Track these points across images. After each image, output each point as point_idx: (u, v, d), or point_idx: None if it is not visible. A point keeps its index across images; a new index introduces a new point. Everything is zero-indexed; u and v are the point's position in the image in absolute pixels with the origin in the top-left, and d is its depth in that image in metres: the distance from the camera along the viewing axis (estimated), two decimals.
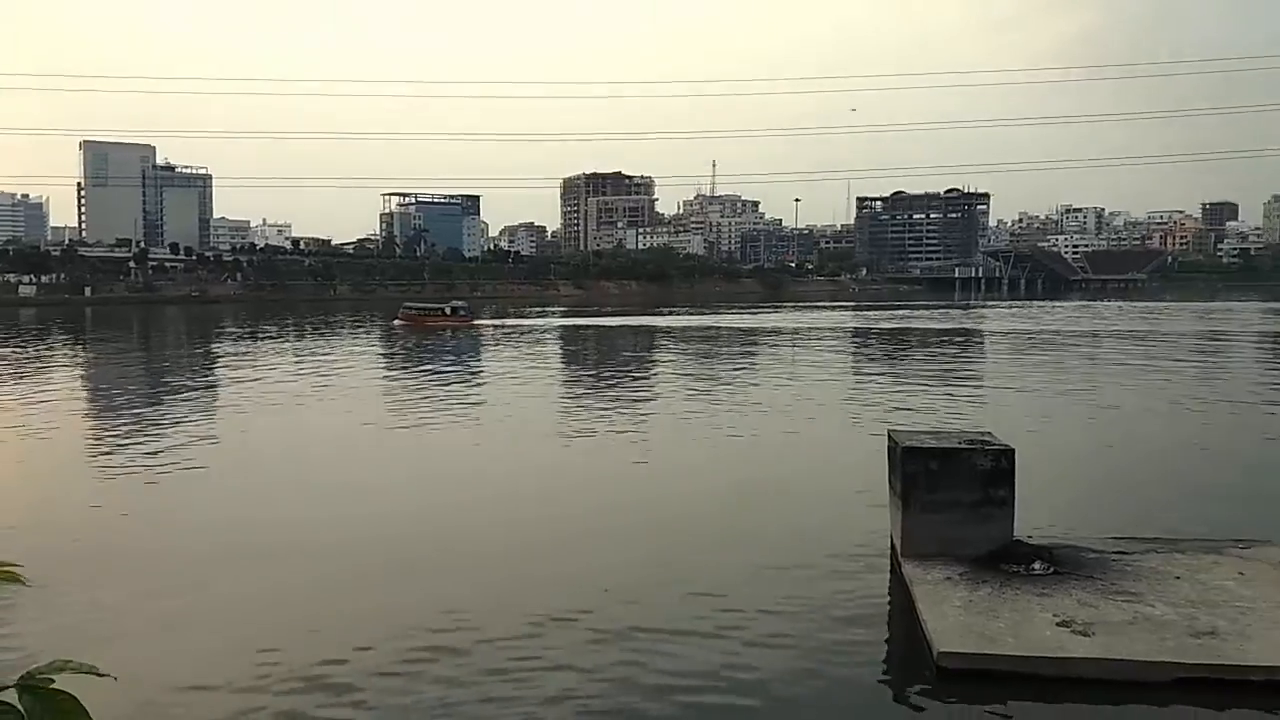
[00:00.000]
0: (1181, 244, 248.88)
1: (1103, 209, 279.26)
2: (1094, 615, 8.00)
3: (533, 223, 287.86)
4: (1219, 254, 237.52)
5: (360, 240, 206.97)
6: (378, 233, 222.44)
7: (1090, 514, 12.15)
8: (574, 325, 67.89)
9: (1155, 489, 14.17)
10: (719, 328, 60.66)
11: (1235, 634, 7.59)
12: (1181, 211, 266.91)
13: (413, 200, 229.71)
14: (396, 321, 63.51)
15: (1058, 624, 7.83)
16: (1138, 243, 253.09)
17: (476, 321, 65.86)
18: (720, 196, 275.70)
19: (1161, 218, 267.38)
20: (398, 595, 9.41)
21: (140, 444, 18.09)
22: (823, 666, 7.65)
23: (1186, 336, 50.69)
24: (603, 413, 22.40)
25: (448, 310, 66.87)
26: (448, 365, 36.79)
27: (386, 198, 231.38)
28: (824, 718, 6.94)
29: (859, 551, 10.55)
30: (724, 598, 9.12)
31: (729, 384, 28.23)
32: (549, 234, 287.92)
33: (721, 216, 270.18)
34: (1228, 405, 23.26)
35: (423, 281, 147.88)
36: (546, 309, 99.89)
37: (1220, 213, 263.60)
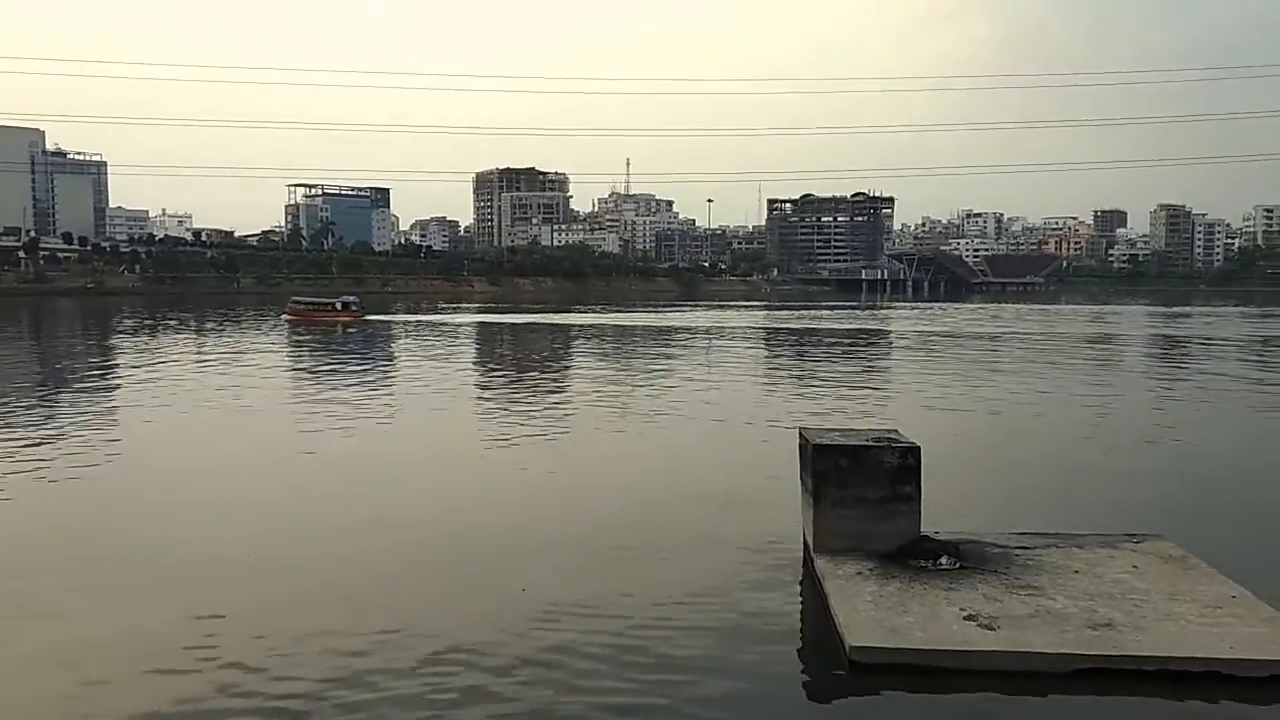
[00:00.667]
0: (1076, 249, 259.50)
1: (1002, 214, 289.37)
2: (998, 609, 8.21)
3: (445, 217, 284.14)
4: (1110, 259, 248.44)
5: (265, 232, 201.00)
6: (283, 225, 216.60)
7: (993, 510, 12.50)
8: (489, 323, 67.20)
9: (1055, 485, 14.66)
10: (636, 326, 60.84)
11: (1130, 625, 7.87)
12: (1075, 218, 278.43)
13: (319, 192, 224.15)
14: (284, 316, 61.94)
15: (964, 618, 8.01)
16: (1034, 248, 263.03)
17: (371, 317, 64.51)
18: (635, 195, 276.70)
19: (1057, 224, 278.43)
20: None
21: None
22: (736, 661, 7.68)
23: (1081, 338, 52.84)
24: (519, 414, 22.18)
25: (339, 305, 65.41)
26: (355, 364, 36.00)
27: (292, 189, 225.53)
28: (737, 712, 6.94)
29: (773, 548, 10.64)
30: (631, 597, 9.07)
31: (646, 383, 28.27)
32: (462, 229, 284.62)
33: (636, 215, 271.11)
34: (1119, 404, 24.27)
35: (330, 275, 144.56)
36: (460, 305, 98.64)
37: (1111, 220, 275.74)
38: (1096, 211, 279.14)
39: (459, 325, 63.58)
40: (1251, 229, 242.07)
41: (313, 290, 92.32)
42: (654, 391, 25.77)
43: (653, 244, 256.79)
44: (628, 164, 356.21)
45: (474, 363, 38.18)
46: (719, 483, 14.47)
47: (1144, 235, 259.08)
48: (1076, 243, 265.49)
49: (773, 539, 10.91)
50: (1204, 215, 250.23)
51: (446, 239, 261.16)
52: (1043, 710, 6.97)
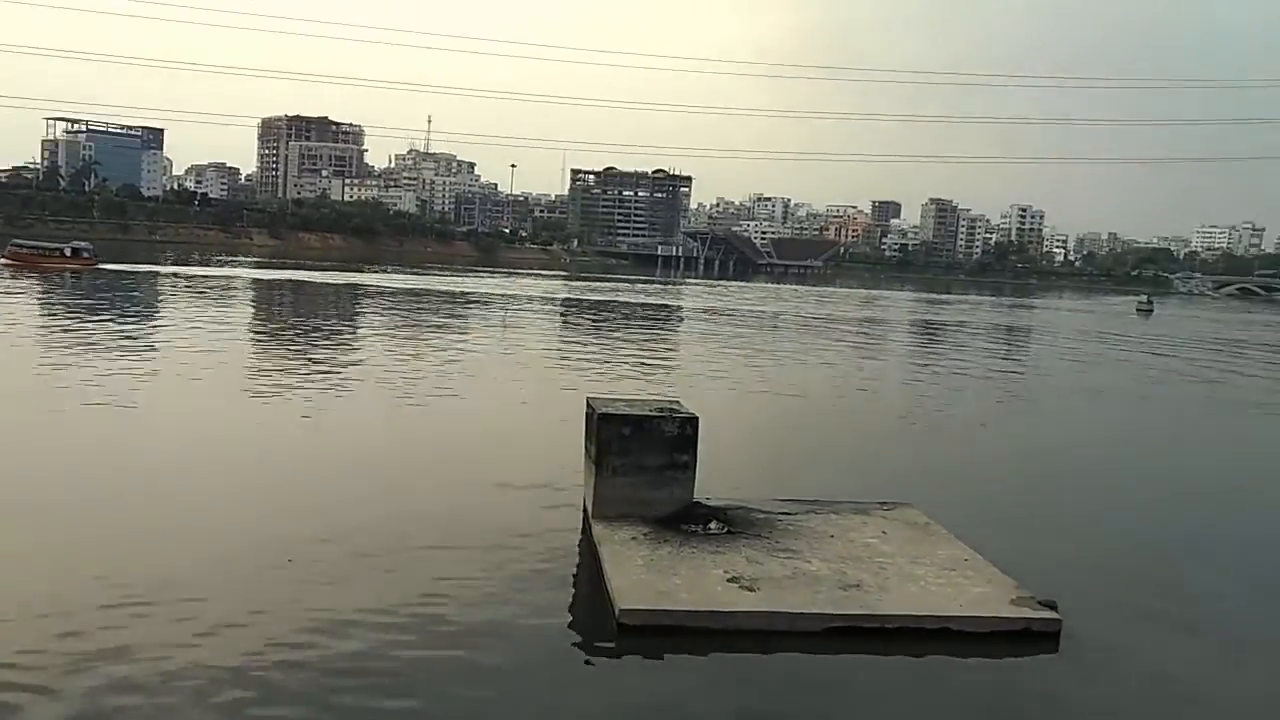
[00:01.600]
0: (854, 236, 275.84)
1: (790, 199, 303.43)
2: (759, 571, 8.63)
3: (225, 164, 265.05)
4: (883, 248, 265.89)
5: (16, 169, 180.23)
6: (38, 161, 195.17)
7: (762, 478, 13.11)
8: (268, 279, 63.46)
9: (821, 455, 15.58)
10: (430, 290, 59.31)
11: (876, 586, 8.49)
12: (855, 207, 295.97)
13: (83, 128, 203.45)
14: (2, 261, 55.54)
15: (728, 580, 8.37)
16: (817, 233, 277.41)
17: (112, 266, 58.93)
18: (436, 154, 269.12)
19: (838, 212, 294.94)
20: None
21: None
22: (508, 630, 7.67)
23: (853, 321, 56.43)
24: (294, 382, 21.11)
25: (68, 251, 58.98)
26: (109, 319, 33.08)
27: (51, 123, 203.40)
28: (507, 676, 6.94)
29: (553, 514, 10.70)
30: (394, 573, 8.88)
31: (437, 349, 27.66)
32: (243, 177, 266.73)
33: (436, 175, 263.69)
34: (886, 383, 26.14)
35: (92, 219, 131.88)
36: (237, 258, 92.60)
37: (887, 210, 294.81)
38: (874, 202, 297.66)
39: (241, 280, 59.69)
40: (1007, 225, 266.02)
41: (67, 235, 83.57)
42: (442, 361, 25.25)
43: (452, 206, 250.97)
44: (429, 121, 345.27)
45: (234, 325, 35.71)
46: (505, 448, 14.39)
47: (915, 226, 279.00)
48: (854, 230, 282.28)
49: (553, 504, 10.97)
50: (968, 210, 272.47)
51: (225, 187, 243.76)
52: (796, 665, 7.40)
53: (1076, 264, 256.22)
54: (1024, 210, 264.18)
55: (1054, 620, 8.05)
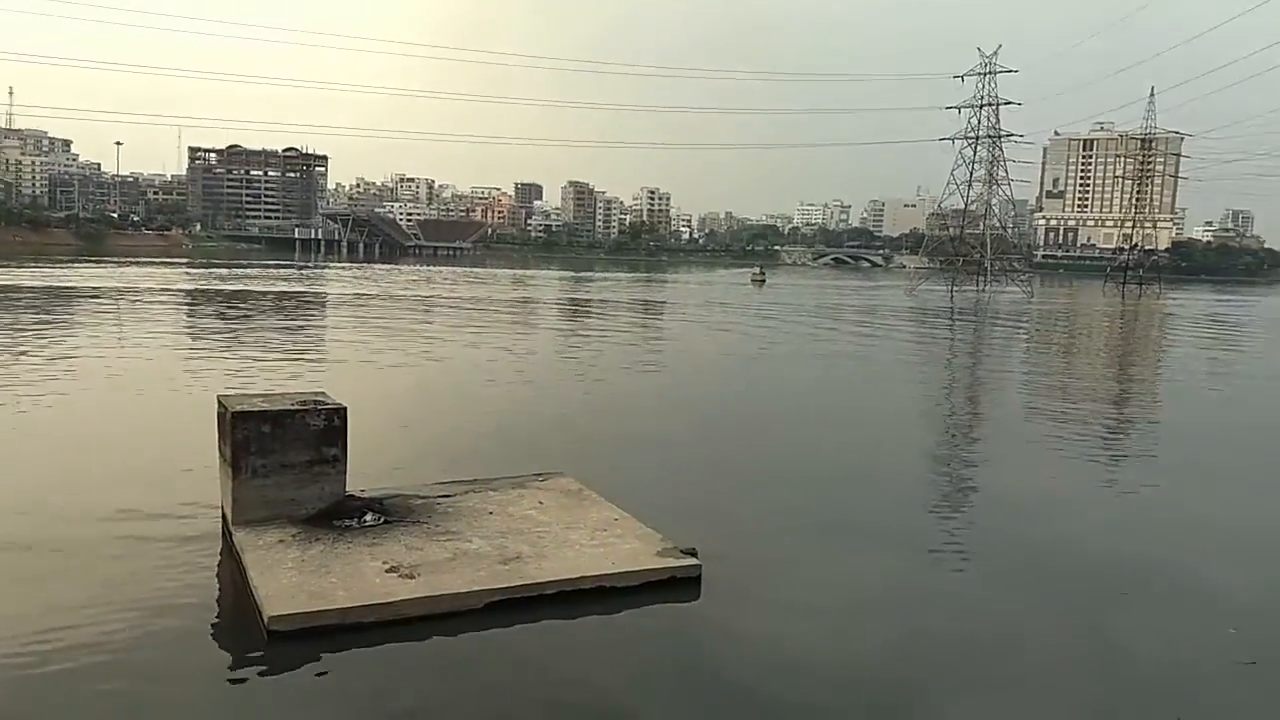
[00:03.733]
0: (500, 218, 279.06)
1: (434, 180, 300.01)
2: (419, 558, 8.53)
3: None
4: (529, 229, 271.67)
5: None
6: None
7: (421, 463, 12.94)
8: None
9: (480, 434, 15.65)
10: (21, 287, 51.38)
11: (535, 556, 8.73)
12: (499, 189, 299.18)
13: None
14: None
15: (386, 571, 8.18)
16: (464, 214, 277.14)
17: None
18: (21, 130, 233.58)
19: (484, 193, 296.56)
20: None
21: None
22: (142, 651, 6.95)
23: (507, 302, 57.15)
24: None
25: None
26: None
27: None
28: (141, 707, 6.29)
29: (186, 524, 9.80)
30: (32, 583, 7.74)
31: (33, 354, 24.07)
32: None
33: (23, 154, 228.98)
34: (539, 360, 26.77)
35: None
36: None
37: (530, 192, 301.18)
38: (517, 184, 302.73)
39: None
40: (639, 207, 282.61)
41: None
42: (43, 367, 22.09)
43: (45, 189, 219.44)
44: (10, 93, 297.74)
45: None
46: (127, 456, 12.92)
47: (557, 208, 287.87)
48: (500, 212, 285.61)
49: (186, 515, 10.05)
50: (604, 193, 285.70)
51: None
52: (461, 646, 7.42)
53: (700, 241, 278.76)
54: (653, 193, 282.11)
55: (694, 566, 8.76)
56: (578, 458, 13.02)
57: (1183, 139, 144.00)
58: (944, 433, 18.90)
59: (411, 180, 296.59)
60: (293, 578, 7.97)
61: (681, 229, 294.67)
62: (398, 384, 21.09)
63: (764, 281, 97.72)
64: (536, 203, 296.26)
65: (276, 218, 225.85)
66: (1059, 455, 16.16)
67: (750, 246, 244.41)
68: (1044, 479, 14.37)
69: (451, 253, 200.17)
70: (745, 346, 34.10)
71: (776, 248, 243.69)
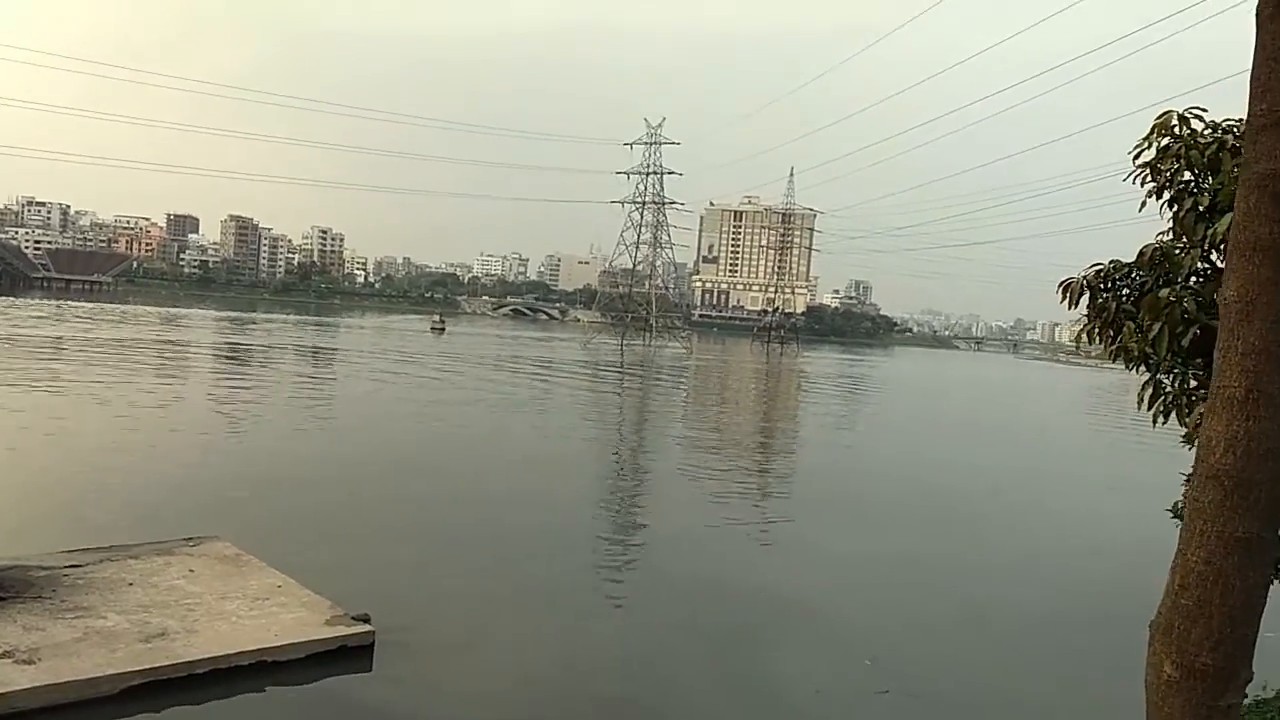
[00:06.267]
0: (148, 250, 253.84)
1: (69, 206, 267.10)
2: (41, 639, 7.51)
3: None
4: (181, 264, 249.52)
5: None
6: None
7: (45, 527, 11.39)
8: None
9: (113, 491, 14.04)
10: None
11: (184, 631, 7.98)
12: (149, 219, 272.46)
13: None
14: None
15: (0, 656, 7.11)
16: (104, 245, 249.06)
17: None
18: None
19: (129, 223, 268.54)
20: None
21: None
22: None
23: (153, 343, 51.86)
24: None
25: None
26: None
27: None
28: None
29: None
30: None
31: None
32: None
33: None
34: (183, 408, 24.53)
35: None
36: None
37: (184, 224, 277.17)
38: (170, 215, 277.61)
39: None
40: (310, 246, 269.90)
41: None
42: None
43: None
44: None
45: None
46: None
47: (215, 243, 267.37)
48: (149, 244, 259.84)
49: None
50: (270, 230, 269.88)
51: None
52: None
53: (376, 285, 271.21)
54: (325, 232, 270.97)
55: (367, 633, 8.46)
56: (235, 520, 12.11)
57: (816, 215, 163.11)
58: (612, 479, 19.77)
59: (42, 204, 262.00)
60: None
61: (356, 272, 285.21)
62: (16, 438, 18.40)
63: (444, 330, 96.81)
64: (192, 236, 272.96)
65: None
66: (714, 500, 17.56)
67: (429, 294, 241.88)
68: (700, 522, 15.54)
69: (88, 287, 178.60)
70: (423, 396, 33.51)
71: (457, 296, 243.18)
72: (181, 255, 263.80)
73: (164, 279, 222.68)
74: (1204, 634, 2.89)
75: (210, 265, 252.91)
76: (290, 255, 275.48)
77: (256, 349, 54.65)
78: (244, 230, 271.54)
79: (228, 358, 47.42)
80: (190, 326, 75.07)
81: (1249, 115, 2.89)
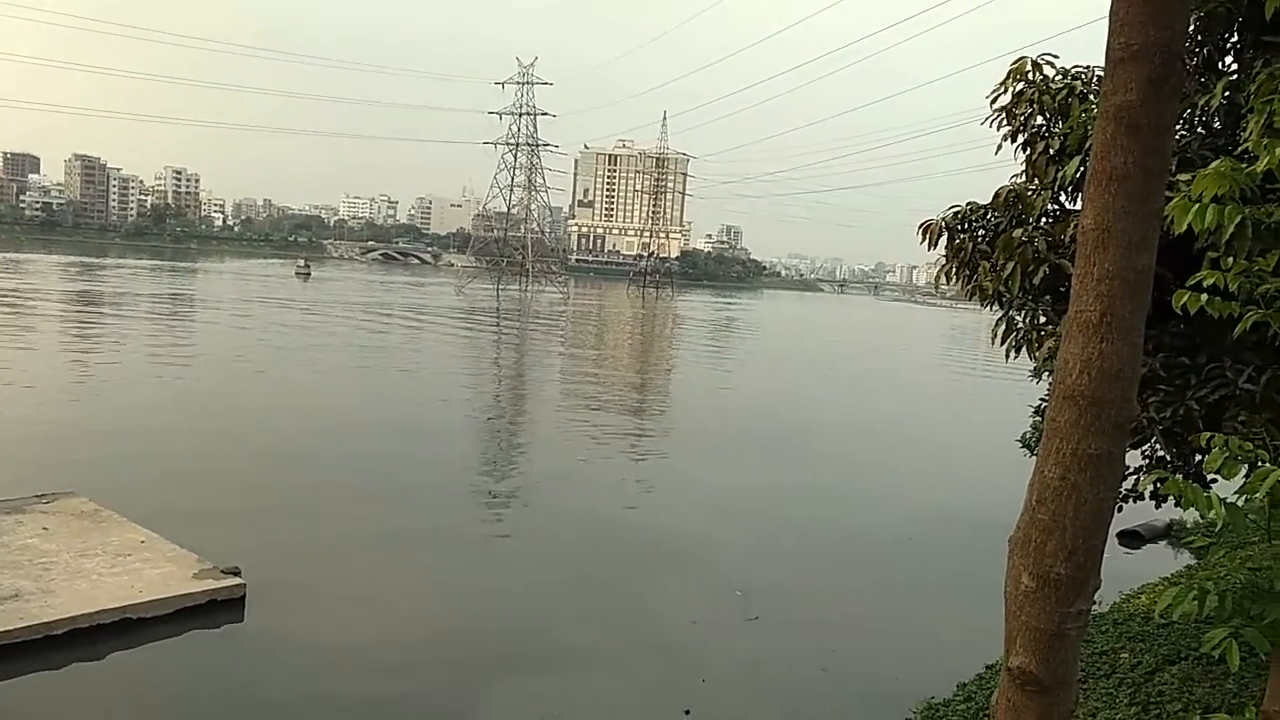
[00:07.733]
0: None
1: None
2: None
3: None
4: (22, 206, 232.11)
5: None
6: None
7: None
8: None
9: None
10: None
11: (39, 592, 7.59)
12: None
13: None
14: None
15: None
16: None
17: None
18: None
19: None
20: None
21: None
22: None
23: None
24: None
25: None
26: None
27: None
28: None
29: None
30: None
31: None
32: None
33: None
34: (29, 360, 23.03)
35: None
36: None
37: (24, 164, 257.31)
38: (6, 153, 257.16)
39: None
40: (163, 188, 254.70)
41: None
42: None
43: None
44: None
45: None
46: None
47: (59, 184, 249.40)
48: None
49: None
50: (119, 170, 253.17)
51: None
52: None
53: (236, 228, 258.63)
54: (179, 173, 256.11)
55: (238, 586, 8.22)
56: (92, 475, 11.50)
57: (689, 159, 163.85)
58: (490, 421, 19.66)
59: None
60: None
61: (214, 214, 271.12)
62: None
63: (309, 275, 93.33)
64: (33, 176, 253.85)
65: None
66: (590, 439, 17.75)
67: (293, 237, 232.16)
68: (577, 460, 15.74)
69: None
70: (288, 343, 32.33)
71: (322, 240, 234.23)
72: (22, 197, 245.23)
73: (2, 222, 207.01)
74: (1058, 545, 3.08)
75: (55, 208, 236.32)
76: (143, 197, 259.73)
77: (108, 296, 51.54)
78: (90, 170, 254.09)
79: (77, 306, 44.53)
80: (34, 273, 70.12)
81: (1108, 49, 2.99)
